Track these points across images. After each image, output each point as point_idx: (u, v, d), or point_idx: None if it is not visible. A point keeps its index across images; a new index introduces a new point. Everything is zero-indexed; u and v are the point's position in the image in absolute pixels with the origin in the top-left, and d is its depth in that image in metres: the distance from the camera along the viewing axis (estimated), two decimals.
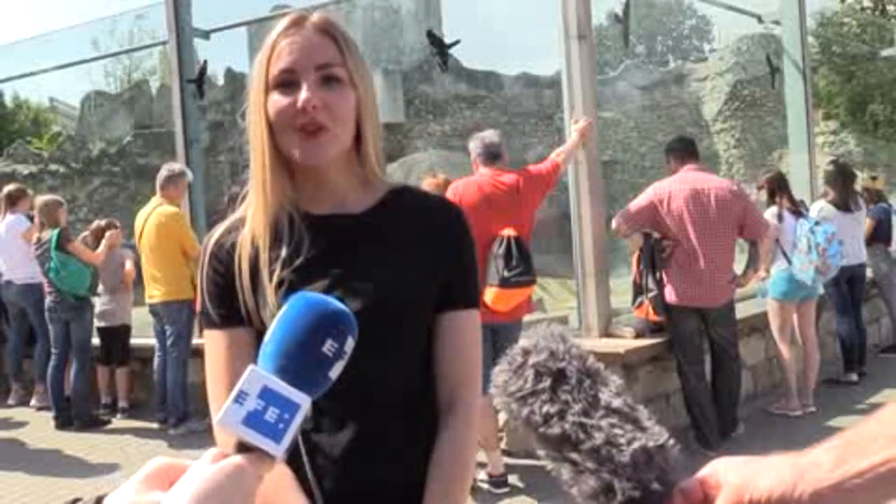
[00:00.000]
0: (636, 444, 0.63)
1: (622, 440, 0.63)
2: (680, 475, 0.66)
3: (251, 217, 1.21)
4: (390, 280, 1.20)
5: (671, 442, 0.66)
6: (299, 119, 1.14)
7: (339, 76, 1.17)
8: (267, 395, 0.73)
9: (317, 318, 0.79)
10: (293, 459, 1.19)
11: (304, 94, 1.13)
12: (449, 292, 1.25)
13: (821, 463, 0.64)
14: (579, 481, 0.64)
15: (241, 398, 0.72)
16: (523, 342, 0.72)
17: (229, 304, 1.21)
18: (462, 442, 1.22)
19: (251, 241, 1.20)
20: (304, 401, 0.74)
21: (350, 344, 0.80)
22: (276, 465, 1.15)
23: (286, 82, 1.16)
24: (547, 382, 0.66)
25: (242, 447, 0.72)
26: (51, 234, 6.06)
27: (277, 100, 1.16)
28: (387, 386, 1.21)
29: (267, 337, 0.79)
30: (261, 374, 0.75)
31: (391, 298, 1.19)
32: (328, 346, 0.78)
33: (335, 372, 0.79)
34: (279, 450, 0.72)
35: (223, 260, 1.23)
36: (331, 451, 1.19)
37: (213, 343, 1.24)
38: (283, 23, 1.19)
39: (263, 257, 1.19)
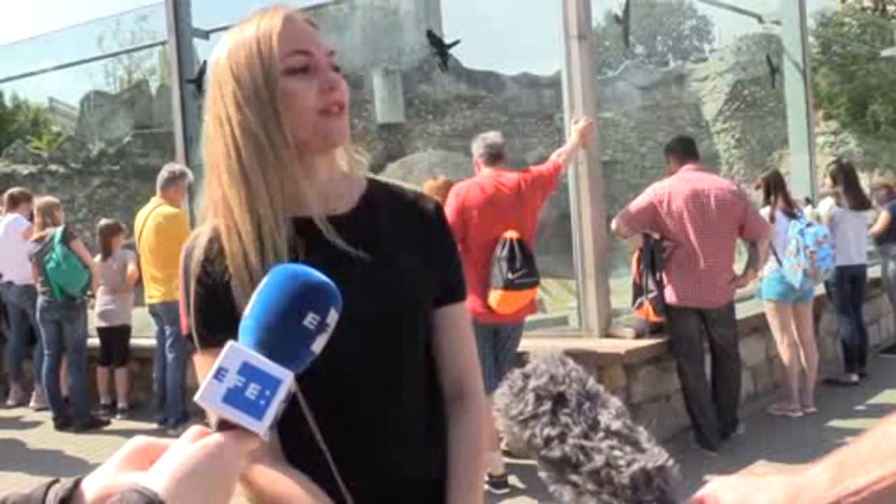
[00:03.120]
0: (635, 466, 0.64)
1: (622, 462, 0.64)
2: (679, 496, 0.66)
3: (232, 227, 1.14)
4: (389, 280, 1.19)
5: (670, 463, 0.66)
6: (327, 99, 1.14)
7: (339, 65, 1.19)
8: (247, 371, 0.72)
9: (297, 291, 0.78)
10: (315, 468, 1.15)
11: (331, 74, 1.15)
12: (441, 288, 1.26)
13: (817, 482, 0.64)
14: (580, 503, 0.64)
15: (220, 375, 0.71)
16: (524, 367, 0.73)
17: (227, 320, 1.10)
18: (475, 430, 1.25)
19: (242, 252, 1.13)
20: (285, 376, 0.73)
21: (333, 316, 0.79)
22: (282, 464, 1.15)
23: (302, 66, 1.14)
24: (547, 406, 0.67)
25: (224, 425, 0.71)
26: (55, 231, 6.07)
27: (298, 85, 1.13)
28: (398, 385, 1.21)
29: (246, 311, 0.78)
30: (240, 349, 0.73)
31: (392, 298, 1.18)
32: (310, 320, 0.77)
33: (318, 345, 0.78)
34: (261, 427, 0.71)
35: (212, 273, 1.15)
36: (348, 451, 1.17)
37: (208, 366, 1.16)
38: (273, 17, 1.15)
39: (255, 267, 1.11)
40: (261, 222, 1.13)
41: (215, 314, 1.14)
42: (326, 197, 1.20)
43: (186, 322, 1.19)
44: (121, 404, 6.45)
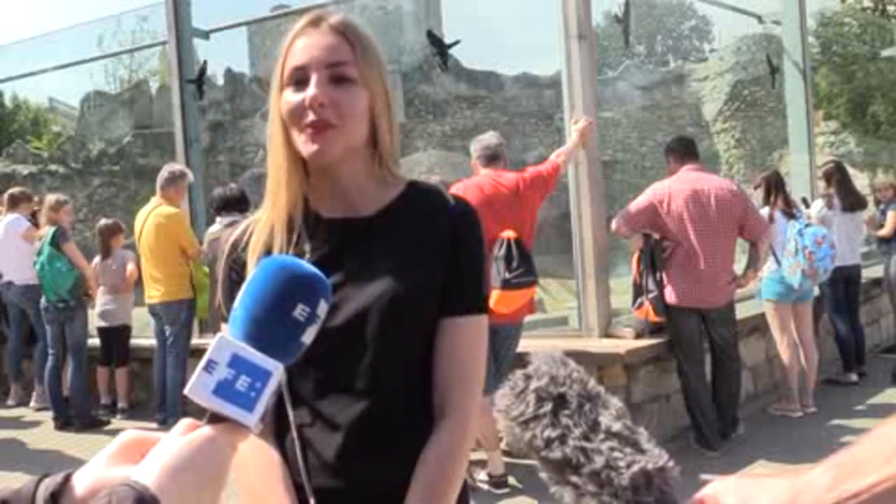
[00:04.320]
0: (636, 467, 0.64)
1: (622, 463, 0.64)
2: (679, 497, 0.66)
3: (265, 217, 1.23)
4: (393, 282, 1.19)
5: (671, 464, 0.66)
6: (307, 116, 1.14)
7: (349, 75, 1.16)
8: (237, 363, 0.72)
9: (287, 282, 0.78)
10: (287, 455, 1.19)
11: (310, 90, 1.14)
12: (449, 297, 1.22)
13: (817, 484, 0.64)
14: None
15: (210, 367, 0.71)
16: (526, 368, 0.73)
17: None
18: (449, 449, 1.19)
19: (263, 242, 1.21)
20: (275, 368, 0.73)
21: (323, 308, 0.79)
22: (271, 456, 1.16)
23: (298, 80, 1.16)
24: (548, 407, 0.67)
25: (214, 417, 0.71)
26: (48, 231, 6.07)
27: (288, 98, 1.17)
28: (382, 387, 1.20)
29: (236, 303, 0.78)
30: (230, 341, 0.73)
31: (393, 300, 1.18)
32: (300, 311, 0.77)
33: (308, 337, 0.78)
34: (251, 419, 0.71)
35: (237, 259, 1.25)
36: (325, 449, 1.19)
37: None
38: (301, 22, 1.20)
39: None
40: (281, 217, 1.21)
41: (233, 294, 1.20)
42: (348, 199, 1.24)
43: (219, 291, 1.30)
44: (121, 404, 6.45)
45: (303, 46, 1.17)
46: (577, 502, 0.65)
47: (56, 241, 6.03)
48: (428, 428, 1.21)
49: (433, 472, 1.18)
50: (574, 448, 0.65)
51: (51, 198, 6.42)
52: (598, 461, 0.64)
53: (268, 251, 1.20)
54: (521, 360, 0.76)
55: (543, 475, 0.67)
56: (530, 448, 0.67)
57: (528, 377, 0.70)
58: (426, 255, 1.22)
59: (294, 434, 1.16)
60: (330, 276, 1.17)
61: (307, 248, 1.20)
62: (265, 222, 1.23)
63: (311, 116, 1.14)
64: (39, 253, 6.05)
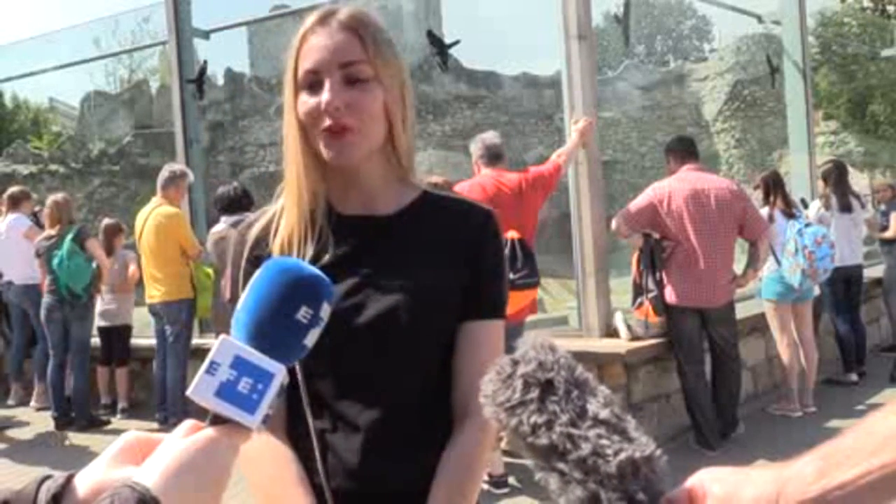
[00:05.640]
0: (623, 455, 0.63)
1: (609, 451, 0.63)
2: (667, 485, 0.66)
3: (285, 215, 1.20)
4: (413, 282, 1.18)
5: (658, 452, 0.66)
6: (324, 120, 1.13)
7: (364, 75, 1.14)
8: (239, 364, 0.72)
9: (290, 284, 0.78)
10: (306, 458, 1.18)
11: (325, 95, 1.12)
12: (470, 301, 1.22)
13: (803, 475, 0.64)
14: (566, 491, 0.64)
15: (212, 369, 0.71)
16: (514, 353, 0.72)
17: None
18: (470, 453, 1.18)
19: (283, 240, 1.19)
20: (278, 370, 0.73)
21: (326, 310, 0.79)
22: (286, 457, 1.16)
23: (312, 83, 1.14)
24: (535, 393, 0.66)
25: (217, 419, 0.71)
26: (67, 228, 6.04)
27: (305, 101, 1.14)
28: (403, 388, 1.19)
29: (239, 304, 0.78)
30: (232, 343, 0.73)
31: (412, 300, 1.17)
32: (302, 313, 0.77)
33: (311, 339, 0.78)
34: (253, 421, 0.71)
35: (259, 255, 1.21)
36: (344, 451, 1.17)
37: None
38: (310, 19, 1.17)
39: (292, 256, 1.17)
40: (302, 215, 1.19)
41: None
42: (367, 198, 1.23)
43: (231, 289, 1.25)
44: (121, 404, 6.45)
45: (313, 47, 1.14)
46: (563, 489, 0.64)
47: (79, 238, 6.01)
48: (447, 429, 1.20)
49: (455, 473, 1.17)
50: (561, 434, 0.64)
51: (64, 196, 6.33)
52: (585, 448, 0.63)
53: (287, 250, 1.18)
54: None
55: (529, 462, 0.67)
56: (516, 434, 0.66)
57: (515, 362, 0.69)
58: (447, 256, 1.22)
59: (313, 435, 1.15)
60: (351, 275, 1.18)
61: (328, 245, 1.18)
62: (286, 220, 1.20)
63: (328, 121, 1.12)
64: (57, 248, 6.01)
